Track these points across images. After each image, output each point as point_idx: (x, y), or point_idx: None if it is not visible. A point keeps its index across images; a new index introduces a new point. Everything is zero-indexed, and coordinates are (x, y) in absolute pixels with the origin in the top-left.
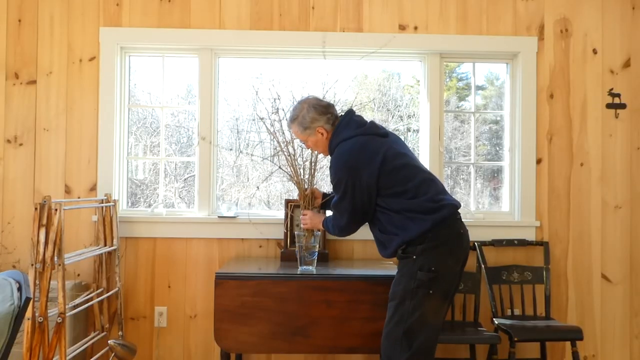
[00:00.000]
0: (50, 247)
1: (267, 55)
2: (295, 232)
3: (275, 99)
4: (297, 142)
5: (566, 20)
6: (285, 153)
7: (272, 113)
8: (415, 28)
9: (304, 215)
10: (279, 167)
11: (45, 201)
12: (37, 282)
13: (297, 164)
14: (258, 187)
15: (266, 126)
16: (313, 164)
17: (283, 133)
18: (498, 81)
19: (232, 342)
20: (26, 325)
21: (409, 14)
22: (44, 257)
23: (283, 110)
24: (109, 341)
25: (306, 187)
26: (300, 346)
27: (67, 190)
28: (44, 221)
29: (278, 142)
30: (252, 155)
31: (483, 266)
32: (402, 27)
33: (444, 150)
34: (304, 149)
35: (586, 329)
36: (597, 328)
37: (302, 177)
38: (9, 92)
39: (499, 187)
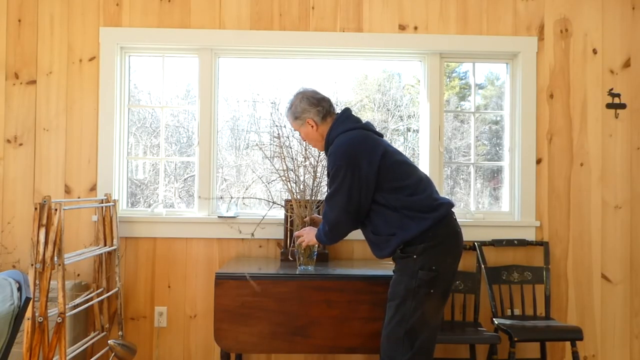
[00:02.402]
0: (50, 247)
1: (267, 55)
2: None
3: (275, 124)
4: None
5: (566, 20)
6: (287, 179)
7: (273, 137)
8: (415, 28)
9: (300, 234)
10: (274, 202)
11: (45, 201)
12: (37, 282)
13: (299, 189)
14: (252, 234)
15: (270, 160)
16: (314, 190)
17: (284, 159)
18: (498, 81)
19: (232, 342)
20: (26, 325)
21: (409, 14)
22: (44, 257)
23: (282, 136)
24: (109, 341)
25: (305, 215)
26: (300, 346)
27: (67, 190)
28: (44, 221)
29: (279, 169)
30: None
31: (483, 266)
32: (402, 27)
33: (444, 150)
34: (304, 173)
35: (586, 329)
36: (597, 328)
37: (303, 197)
38: (9, 92)
39: (499, 187)
